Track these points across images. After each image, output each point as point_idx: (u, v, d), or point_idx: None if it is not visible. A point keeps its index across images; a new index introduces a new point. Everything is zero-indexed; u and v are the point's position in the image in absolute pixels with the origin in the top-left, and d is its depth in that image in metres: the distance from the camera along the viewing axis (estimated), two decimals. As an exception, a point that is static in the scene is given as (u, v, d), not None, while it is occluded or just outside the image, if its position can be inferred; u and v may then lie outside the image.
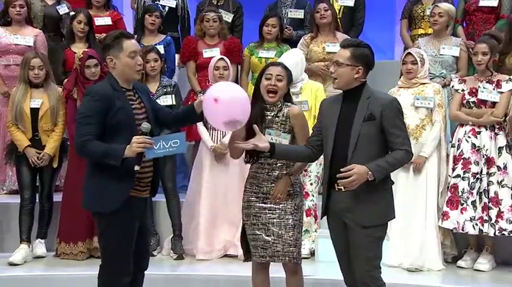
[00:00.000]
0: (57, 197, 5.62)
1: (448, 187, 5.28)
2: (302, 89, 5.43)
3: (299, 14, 6.69)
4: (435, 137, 5.28)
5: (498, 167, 5.22)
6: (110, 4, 6.76)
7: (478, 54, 5.30)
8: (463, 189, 5.20)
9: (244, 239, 4.18)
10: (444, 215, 5.22)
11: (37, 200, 5.52)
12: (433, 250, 5.22)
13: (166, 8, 6.77)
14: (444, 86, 5.80)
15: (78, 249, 5.45)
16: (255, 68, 6.34)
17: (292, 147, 3.95)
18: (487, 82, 5.33)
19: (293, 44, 6.36)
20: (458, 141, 5.34)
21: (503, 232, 5.14)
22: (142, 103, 3.86)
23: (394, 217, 3.81)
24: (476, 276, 5.16)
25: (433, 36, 6.12)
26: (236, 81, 6.17)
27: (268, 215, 4.05)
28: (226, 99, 3.64)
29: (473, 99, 5.34)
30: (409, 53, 5.37)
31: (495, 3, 6.38)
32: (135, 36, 6.39)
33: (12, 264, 5.31)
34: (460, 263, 5.32)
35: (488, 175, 5.22)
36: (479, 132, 5.29)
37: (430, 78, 5.66)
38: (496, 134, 5.28)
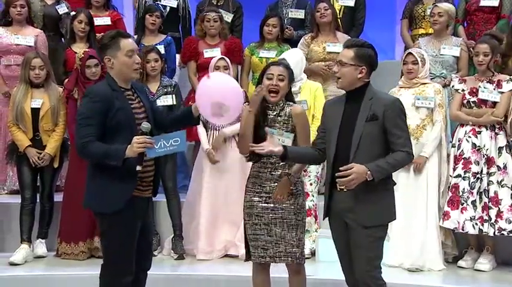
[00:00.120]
0: (58, 197, 5.62)
1: (449, 187, 5.28)
2: (301, 88, 5.43)
3: (300, 14, 6.69)
4: (436, 137, 5.28)
5: (498, 167, 5.22)
6: (109, 4, 6.75)
7: (480, 55, 5.30)
8: (464, 189, 5.20)
9: (247, 239, 4.18)
10: (445, 215, 5.22)
11: (38, 200, 5.52)
12: (433, 250, 5.22)
13: (168, 8, 6.77)
14: (445, 86, 5.80)
15: (79, 249, 5.46)
16: (255, 68, 6.34)
17: (302, 149, 3.95)
18: (487, 82, 5.33)
19: (294, 44, 6.36)
20: (459, 141, 5.34)
21: (503, 232, 5.14)
22: (142, 102, 3.86)
23: (395, 219, 3.81)
24: (476, 276, 5.16)
25: (434, 36, 6.12)
26: (236, 81, 6.16)
27: (270, 215, 4.06)
28: (217, 80, 3.79)
29: (474, 99, 5.34)
30: (410, 53, 5.38)
31: (496, 3, 6.38)
32: (135, 36, 6.41)
33: (13, 264, 5.31)
34: (461, 263, 5.32)
35: (489, 174, 5.23)
36: (479, 132, 5.29)
37: (431, 79, 5.66)
38: (496, 134, 5.28)
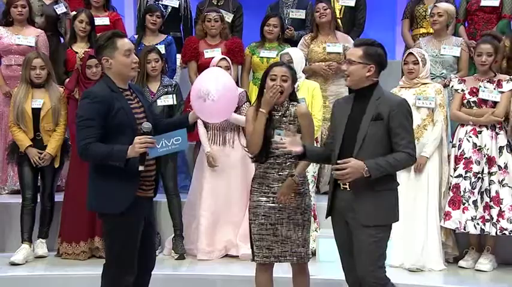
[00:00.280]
0: (59, 197, 5.62)
1: (449, 187, 5.28)
2: (299, 86, 5.43)
3: (300, 14, 6.69)
4: (436, 137, 5.28)
5: (499, 166, 5.23)
6: (109, 5, 6.76)
7: (483, 55, 5.29)
8: (465, 189, 5.20)
9: (252, 239, 4.20)
10: (446, 215, 5.21)
11: (38, 200, 5.53)
12: (434, 250, 5.21)
13: (169, 8, 6.76)
14: (445, 86, 5.80)
15: (80, 249, 5.46)
16: (256, 68, 6.35)
17: (319, 149, 3.95)
18: (487, 82, 5.33)
19: (294, 44, 6.35)
20: (459, 141, 5.34)
21: (504, 232, 5.13)
22: (140, 103, 3.87)
23: (397, 220, 3.79)
24: (477, 276, 5.16)
25: (434, 36, 6.12)
26: (237, 82, 6.17)
27: (277, 215, 4.07)
28: (212, 70, 4.02)
29: (474, 99, 5.34)
30: (411, 53, 5.37)
31: (497, 3, 6.39)
32: (136, 36, 6.41)
33: (13, 264, 5.31)
34: (462, 263, 5.31)
35: (490, 174, 5.23)
36: (480, 132, 5.29)
37: (431, 79, 5.66)
38: (497, 133, 5.28)
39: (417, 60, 5.31)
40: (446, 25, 6.09)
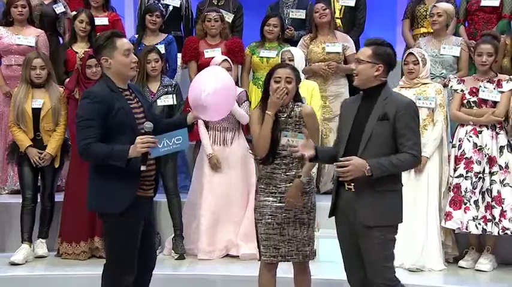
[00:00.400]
0: (59, 197, 5.62)
1: (450, 187, 5.28)
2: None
3: (300, 14, 6.69)
4: (436, 137, 5.28)
5: (500, 166, 5.23)
6: (108, 5, 6.75)
7: (483, 55, 5.29)
8: (466, 188, 5.19)
9: (259, 238, 4.21)
10: (447, 216, 5.21)
11: (38, 200, 5.53)
12: (434, 250, 5.21)
13: (171, 7, 6.76)
14: (445, 86, 5.80)
15: (80, 249, 5.47)
16: (256, 68, 6.35)
17: (327, 150, 3.94)
18: (487, 82, 5.33)
19: (294, 44, 6.35)
20: (460, 141, 5.34)
21: (506, 231, 5.13)
22: (140, 102, 3.88)
23: (401, 221, 3.77)
24: (477, 276, 5.16)
25: (434, 36, 6.12)
26: (237, 81, 6.17)
27: (284, 214, 4.09)
28: (211, 68, 4.12)
29: (474, 99, 5.34)
30: (411, 53, 5.37)
31: (497, 3, 6.39)
32: (137, 36, 6.41)
33: (13, 264, 5.31)
34: (462, 263, 5.31)
35: (491, 174, 5.22)
36: (480, 132, 5.29)
37: (431, 79, 5.66)
38: (497, 133, 5.28)
39: (417, 60, 5.31)
40: (446, 25, 6.10)
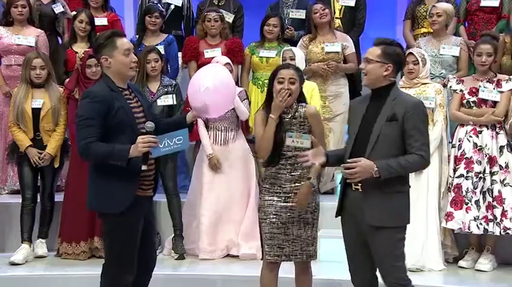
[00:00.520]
0: (58, 197, 5.62)
1: (450, 188, 5.27)
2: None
3: (300, 14, 6.69)
4: (436, 137, 5.28)
5: (500, 166, 5.23)
6: (107, 6, 6.75)
7: (483, 55, 5.29)
8: (467, 188, 5.19)
9: (262, 237, 4.23)
10: (448, 216, 5.20)
11: (38, 200, 5.53)
12: (434, 250, 5.21)
13: (172, 6, 6.76)
14: (444, 86, 5.80)
15: (80, 249, 5.46)
16: (255, 68, 6.35)
17: (336, 153, 3.91)
18: (487, 81, 5.33)
19: (294, 44, 6.35)
20: (459, 141, 5.34)
21: (508, 231, 5.13)
22: (139, 102, 3.88)
23: (409, 222, 3.75)
24: (477, 276, 5.16)
25: (433, 36, 6.13)
26: (237, 81, 6.17)
27: (288, 214, 4.09)
28: (210, 65, 4.19)
29: (474, 99, 5.34)
30: (411, 53, 5.37)
31: (496, 3, 6.39)
32: (137, 36, 6.41)
33: (13, 264, 5.31)
34: (461, 263, 5.31)
35: (491, 174, 5.22)
36: (480, 132, 5.29)
37: (431, 79, 5.66)
38: (497, 133, 5.28)
39: (417, 60, 5.31)
40: (445, 25, 6.10)
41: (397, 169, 3.56)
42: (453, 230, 5.25)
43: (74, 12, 6.28)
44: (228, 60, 5.65)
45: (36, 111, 5.43)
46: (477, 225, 5.15)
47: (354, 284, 3.86)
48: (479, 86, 5.32)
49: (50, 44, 6.42)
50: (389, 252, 3.64)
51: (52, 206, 5.56)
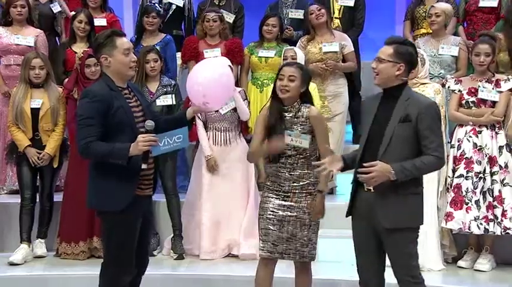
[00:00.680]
0: (57, 197, 5.62)
1: (449, 188, 5.27)
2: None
3: (300, 14, 6.68)
4: (436, 137, 5.28)
5: (500, 165, 5.23)
6: (106, 6, 6.74)
7: (481, 55, 5.29)
8: (467, 188, 5.19)
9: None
10: (448, 216, 5.20)
11: (37, 200, 5.52)
12: (433, 250, 5.21)
13: (173, 6, 6.75)
14: (442, 85, 5.80)
15: (79, 249, 5.46)
16: (254, 67, 6.35)
17: (353, 155, 3.86)
18: (485, 81, 5.33)
19: (293, 44, 6.35)
20: (459, 141, 5.34)
21: (508, 231, 5.13)
22: (139, 101, 3.89)
23: (422, 223, 3.76)
24: (476, 276, 5.16)
25: (432, 36, 6.13)
26: (236, 81, 6.16)
27: (286, 212, 4.11)
28: (209, 59, 4.20)
29: (473, 99, 5.35)
30: (410, 53, 5.37)
31: (495, 4, 6.39)
32: (136, 36, 6.40)
33: (12, 264, 5.31)
34: (460, 263, 5.31)
35: (491, 174, 5.22)
36: (480, 132, 5.29)
37: (430, 79, 5.66)
38: (497, 133, 5.29)
39: (416, 60, 5.31)
40: (444, 25, 6.10)
41: (413, 171, 3.55)
42: (452, 230, 5.25)
43: (73, 13, 6.28)
44: (228, 62, 5.65)
45: (35, 111, 5.43)
46: (477, 225, 5.15)
47: (361, 284, 3.83)
48: (478, 86, 5.32)
49: (49, 44, 6.42)
50: (404, 252, 3.65)
51: (51, 206, 5.56)
